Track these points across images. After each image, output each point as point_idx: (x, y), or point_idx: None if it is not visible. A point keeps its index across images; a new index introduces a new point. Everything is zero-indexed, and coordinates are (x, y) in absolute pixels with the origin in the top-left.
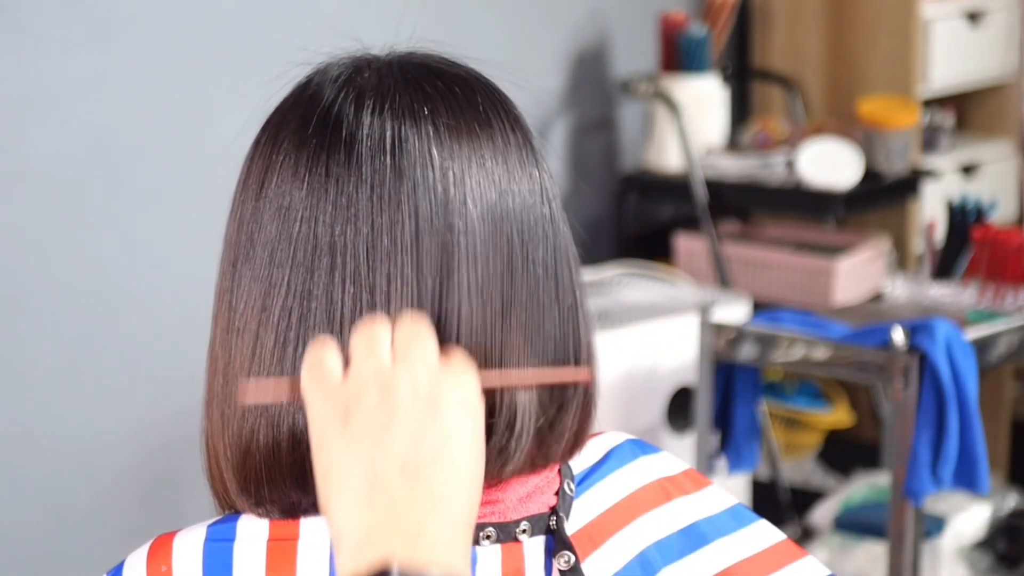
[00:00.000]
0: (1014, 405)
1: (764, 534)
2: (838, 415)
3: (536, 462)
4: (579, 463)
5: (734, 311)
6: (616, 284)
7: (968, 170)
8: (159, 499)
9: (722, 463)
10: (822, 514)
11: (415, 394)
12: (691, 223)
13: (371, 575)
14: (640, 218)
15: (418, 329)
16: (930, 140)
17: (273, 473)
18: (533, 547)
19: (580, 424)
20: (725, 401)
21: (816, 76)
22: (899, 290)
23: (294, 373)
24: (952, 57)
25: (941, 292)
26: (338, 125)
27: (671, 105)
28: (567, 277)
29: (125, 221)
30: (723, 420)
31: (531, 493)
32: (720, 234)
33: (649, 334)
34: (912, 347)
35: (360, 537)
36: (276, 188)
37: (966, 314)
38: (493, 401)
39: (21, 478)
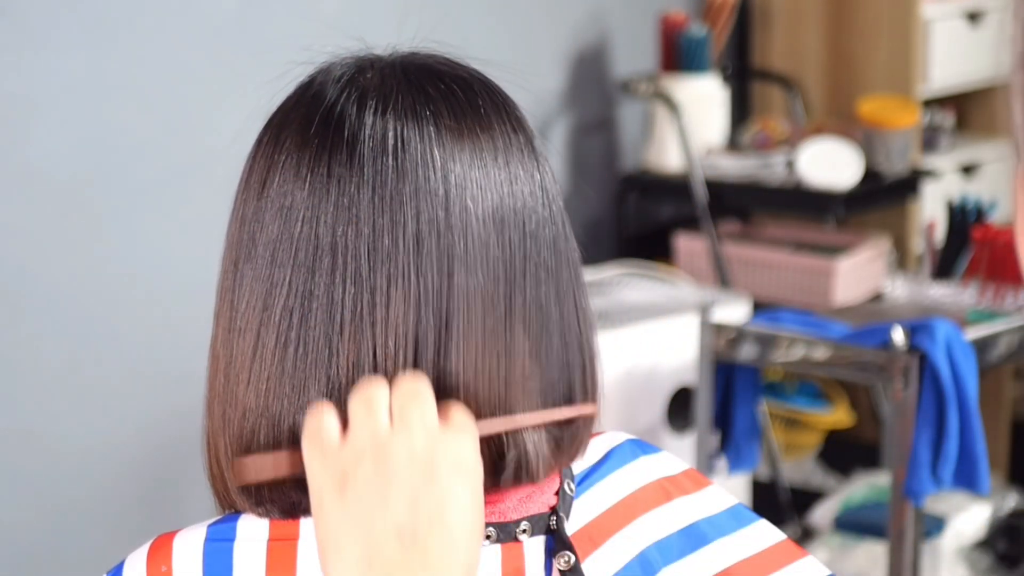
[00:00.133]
0: (1014, 405)
1: (764, 534)
2: (838, 415)
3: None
4: (579, 463)
5: (734, 311)
6: (616, 284)
7: (968, 170)
8: (159, 499)
9: (722, 463)
10: (822, 514)
11: (411, 459)
12: (691, 223)
13: None
14: (640, 218)
15: (416, 388)
16: (930, 140)
17: None
18: (533, 547)
19: (585, 436)
20: (725, 401)
21: (816, 76)
22: (899, 290)
23: (294, 373)
24: (952, 57)
25: (941, 292)
26: (340, 125)
27: (671, 105)
28: (568, 278)
29: (125, 221)
30: (723, 420)
31: (531, 493)
32: (720, 234)
33: (649, 334)
34: (912, 347)
35: None
36: (278, 188)
37: (966, 314)
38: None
39: (21, 478)
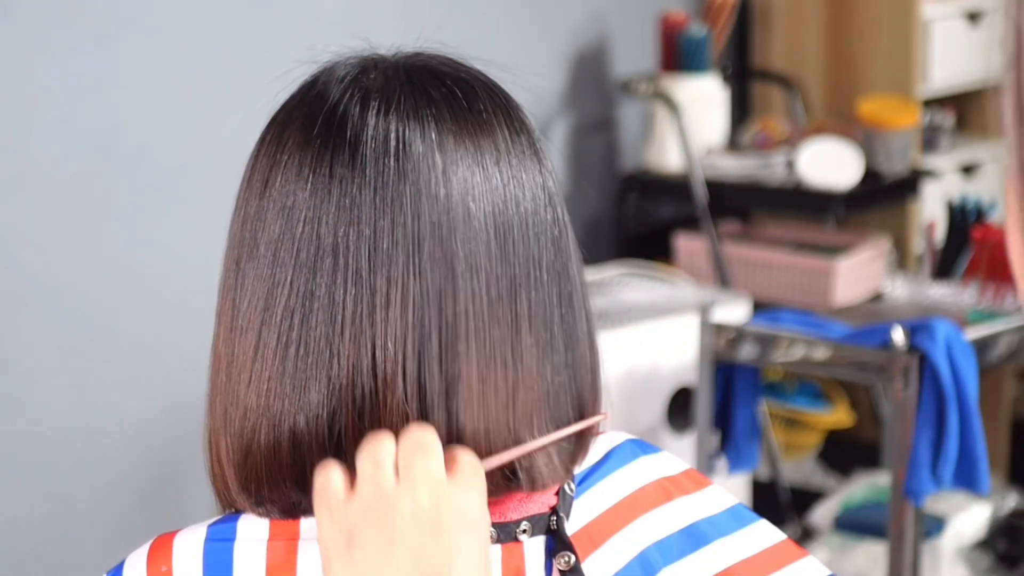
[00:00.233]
0: (1014, 405)
1: (764, 534)
2: (838, 415)
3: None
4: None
5: (734, 311)
6: (616, 284)
7: (968, 170)
8: (159, 499)
9: (722, 463)
10: (822, 514)
11: (416, 515)
12: (691, 223)
13: None
14: (640, 218)
15: (422, 440)
16: (930, 140)
17: (273, 473)
18: (533, 547)
19: (592, 440)
20: (725, 401)
21: (816, 76)
22: (899, 290)
23: (295, 374)
24: (952, 57)
25: (941, 292)
26: (343, 126)
27: (671, 105)
28: (572, 281)
29: (126, 220)
30: (723, 420)
31: (531, 493)
32: (720, 234)
33: (649, 334)
34: (912, 347)
35: None
36: (280, 188)
37: (966, 314)
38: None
39: (21, 477)
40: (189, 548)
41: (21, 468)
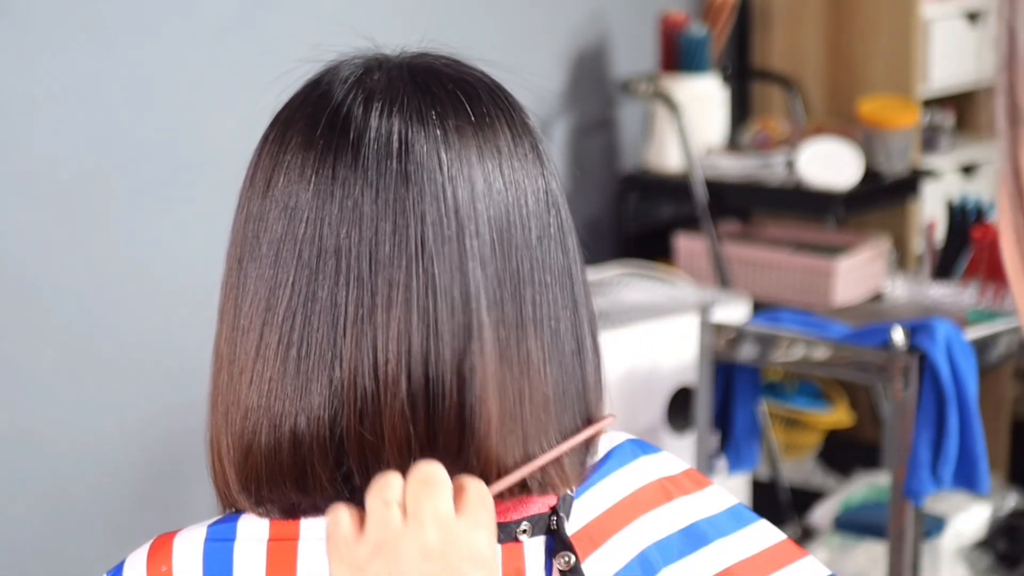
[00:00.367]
0: (1014, 405)
1: (764, 534)
2: (838, 415)
3: None
4: None
5: (734, 311)
6: (616, 284)
7: (968, 170)
8: (159, 499)
9: (722, 463)
10: (822, 514)
11: (423, 555)
12: (691, 223)
13: None
14: (640, 218)
15: (429, 476)
16: (930, 140)
17: (273, 473)
18: (533, 547)
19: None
20: (725, 401)
21: (816, 76)
22: (899, 290)
23: (296, 374)
24: (952, 57)
25: (941, 292)
26: (346, 127)
27: (671, 105)
28: (575, 282)
29: (125, 220)
30: (723, 420)
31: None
32: (720, 234)
33: (649, 334)
34: (912, 347)
35: None
36: (283, 188)
37: (966, 314)
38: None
39: (21, 478)
40: (189, 548)
41: (21, 468)
